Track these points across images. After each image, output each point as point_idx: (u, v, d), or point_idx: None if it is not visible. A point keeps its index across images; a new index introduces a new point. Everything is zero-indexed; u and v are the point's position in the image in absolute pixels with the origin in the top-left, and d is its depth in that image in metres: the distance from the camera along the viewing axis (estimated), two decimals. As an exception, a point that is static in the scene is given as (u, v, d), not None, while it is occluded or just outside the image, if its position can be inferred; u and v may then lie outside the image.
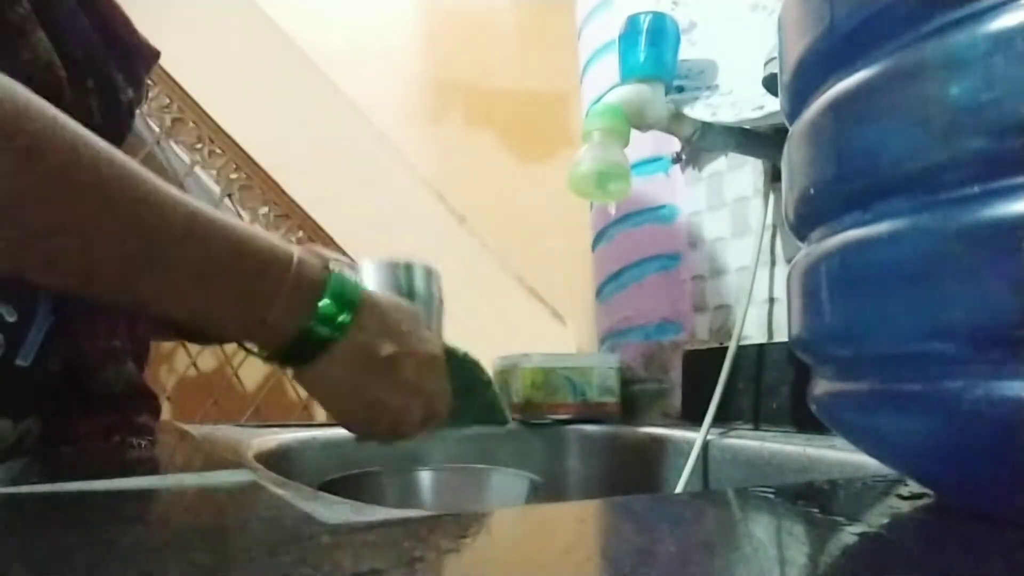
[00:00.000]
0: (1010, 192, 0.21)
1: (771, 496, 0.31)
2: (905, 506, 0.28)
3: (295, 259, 0.41)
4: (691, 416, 0.81)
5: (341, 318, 0.41)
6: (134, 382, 0.55)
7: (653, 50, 0.64)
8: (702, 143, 0.67)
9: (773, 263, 0.72)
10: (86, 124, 0.36)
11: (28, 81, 0.33)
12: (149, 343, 0.60)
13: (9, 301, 0.45)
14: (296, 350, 0.41)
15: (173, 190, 0.37)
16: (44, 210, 0.33)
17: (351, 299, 0.42)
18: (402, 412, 0.45)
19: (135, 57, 0.57)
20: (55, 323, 0.47)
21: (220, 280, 0.38)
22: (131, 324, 0.55)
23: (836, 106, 0.27)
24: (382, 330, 0.44)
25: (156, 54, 0.61)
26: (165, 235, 0.36)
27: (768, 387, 0.69)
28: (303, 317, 0.41)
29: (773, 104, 0.59)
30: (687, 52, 0.67)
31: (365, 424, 0.46)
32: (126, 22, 0.57)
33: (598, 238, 1.03)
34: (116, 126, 0.54)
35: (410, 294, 0.53)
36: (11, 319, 0.45)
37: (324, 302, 0.41)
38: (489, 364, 0.92)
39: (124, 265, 0.36)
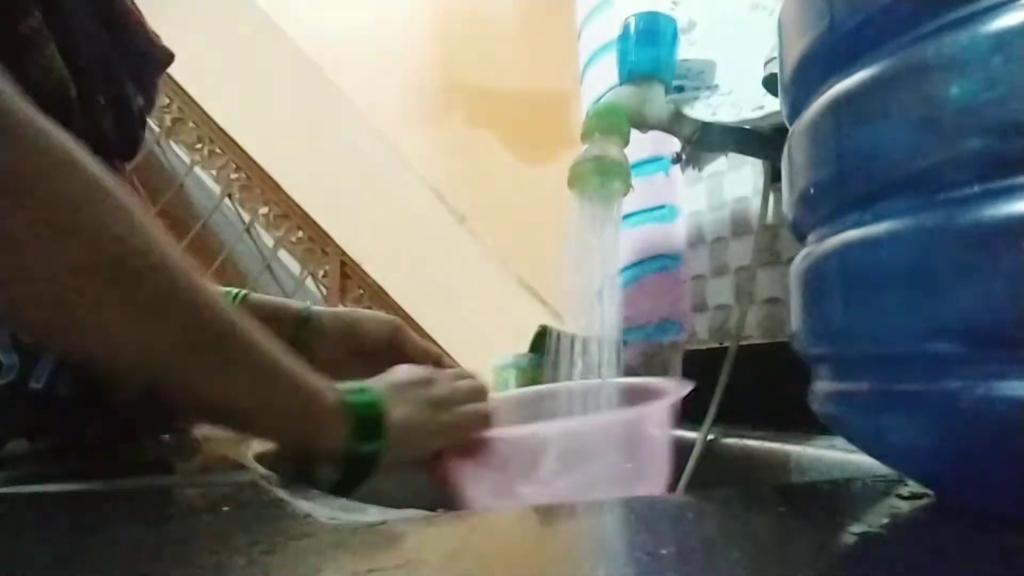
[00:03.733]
0: (1010, 192, 0.21)
1: (772, 496, 0.31)
2: (905, 506, 0.28)
3: (326, 403, 0.42)
4: (691, 416, 0.81)
5: (375, 443, 0.43)
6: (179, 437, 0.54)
7: (651, 50, 0.64)
8: (702, 143, 0.66)
9: (773, 263, 0.72)
10: (97, 144, 0.35)
11: (36, 100, 0.32)
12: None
13: None
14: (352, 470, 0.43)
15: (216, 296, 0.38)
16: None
17: (376, 425, 0.44)
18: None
19: (147, 64, 0.55)
20: None
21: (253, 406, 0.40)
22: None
23: (836, 106, 0.27)
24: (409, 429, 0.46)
25: (169, 58, 0.58)
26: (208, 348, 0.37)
27: (768, 387, 0.68)
28: (346, 448, 0.42)
29: (773, 104, 0.59)
30: (687, 52, 0.67)
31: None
32: (141, 26, 0.54)
33: (598, 238, 1.03)
34: (129, 140, 0.52)
35: None
36: (26, 339, 0.43)
37: (355, 441, 0.42)
38: (488, 363, 0.92)
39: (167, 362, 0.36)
